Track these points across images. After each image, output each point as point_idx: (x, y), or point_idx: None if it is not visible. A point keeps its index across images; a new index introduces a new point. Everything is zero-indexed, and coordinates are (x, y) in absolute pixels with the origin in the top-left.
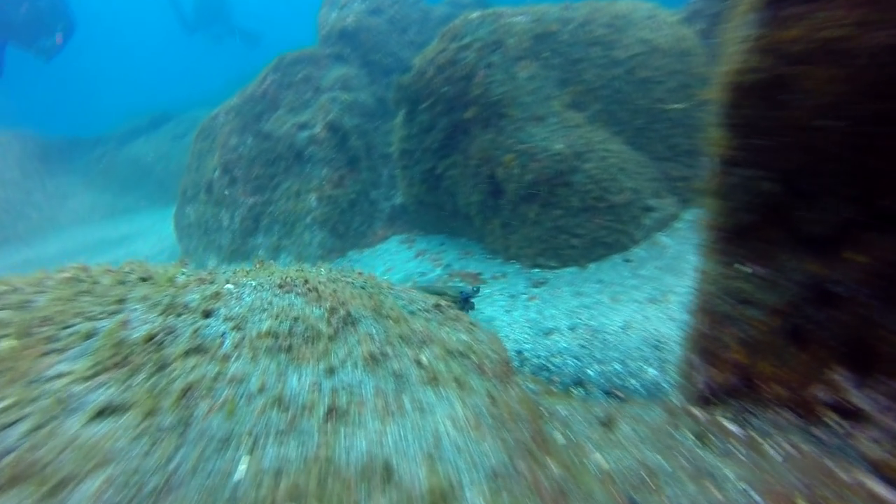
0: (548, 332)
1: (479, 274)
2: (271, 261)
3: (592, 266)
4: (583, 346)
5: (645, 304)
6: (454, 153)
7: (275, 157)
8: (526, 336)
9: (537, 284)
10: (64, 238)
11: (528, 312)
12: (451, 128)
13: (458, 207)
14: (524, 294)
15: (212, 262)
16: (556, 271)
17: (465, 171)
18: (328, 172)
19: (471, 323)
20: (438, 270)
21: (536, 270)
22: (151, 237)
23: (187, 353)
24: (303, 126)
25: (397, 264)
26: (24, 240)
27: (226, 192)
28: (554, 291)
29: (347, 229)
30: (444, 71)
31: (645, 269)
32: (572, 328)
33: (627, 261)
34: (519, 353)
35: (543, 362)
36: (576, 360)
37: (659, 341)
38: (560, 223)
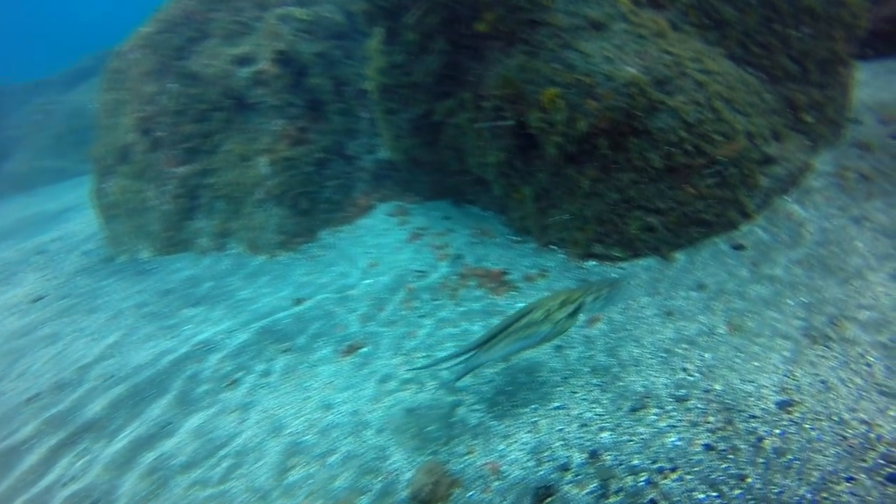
0: (637, 404)
1: (505, 273)
2: None
3: (682, 257)
4: (715, 450)
5: (802, 344)
6: (460, 90)
7: (208, 109)
8: (599, 413)
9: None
10: None
11: (594, 352)
12: (454, 49)
13: (469, 168)
14: None
15: (145, 254)
16: (625, 265)
17: (479, 118)
18: (283, 124)
19: None
20: (444, 266)
21: (592, 264)
22: (90, 212)
23: None
24: (243, 61)
25: (384, 255)
26: None
27: (148, 160)
28: (627, 306)
29: (315, 202)
30: None
31: (773, 262)
32: (680, 395)
33: (738, 247)
34: (594, 455)
35: (644, 483)
36: (712, 493)
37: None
38: (631, 193)
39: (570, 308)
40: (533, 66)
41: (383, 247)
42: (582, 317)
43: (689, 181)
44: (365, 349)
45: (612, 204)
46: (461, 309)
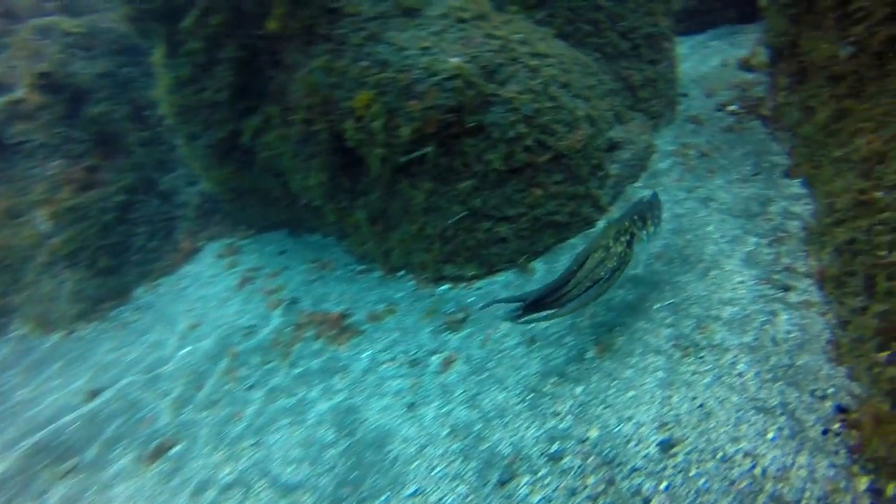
0: (505, 474)
1: (346, 315)
2: None
3: (540, 267)
4: None
5: (674, 358)
6: (265, 103)
7: None
8: (463, 493)
9: (452, 324)
10: None
11: (452, 405)
12: (249, 56)
13: (295, 193)
14: (434, 352)
15: None
16: (480, 285)
17: (289, 134)
18: (62, 166)
19: None
20: (277, 316)
21: (445, 288)
22: None
23: None
24: None
25: (209, 310)
26: None
27: None
28: (486, 335)
29: (122, 256)
30: None
31: (634, 261)
32: (554, 452)
33: None
34: None
35: None
36: None
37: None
38: (474, 203)
39: (626, 238)
40: (339, 66)
41: (208, 299)
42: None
43: (536, 181)
44: (177, 448)
45: (455, 218)
46: (297, 371)
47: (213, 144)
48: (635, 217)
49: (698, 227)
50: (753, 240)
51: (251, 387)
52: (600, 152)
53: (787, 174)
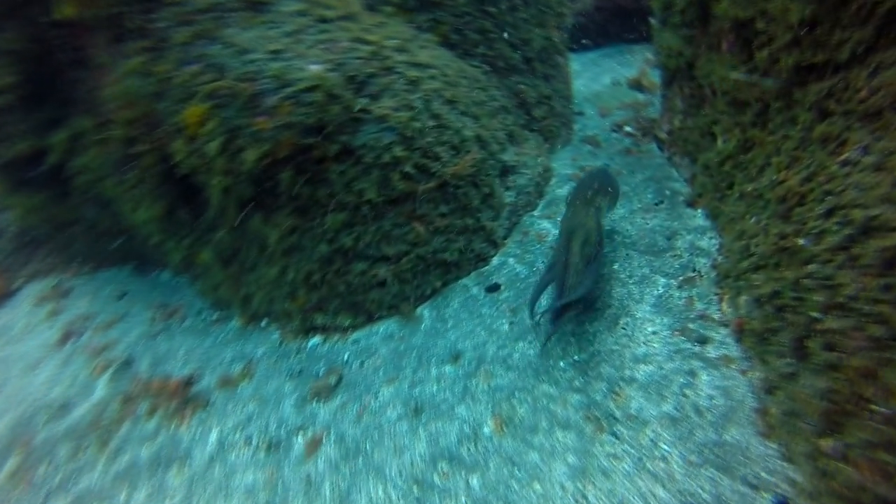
0: None
1: (191, 381)
2: None
3: (427, 314)
4: None
5: (587, 436)
6: (73, 114)
7: None
8: None
9: (319, 392)
10: None
11: None
12: (45, 50)
13: (128, 227)
14: (298, 430)
15: None
16: (358, 336)
17: (108, 154)
18: None
19: None
20: (102, 385)
21: (315, 342)
22: None
23: None
24: None
25: (10, 378)
26: None
27: None
28: (363, 405)
29: None
30: None
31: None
32: None
33: (492, 289)
34: None
35: None
36: None
37: None
38: (345, 241)
39: (594, 211)
40: (159, 70)
41: (13, 362)
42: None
43: (419, 213)
44: None
45: (323, 259)
46: (116, 468)
47: (7, 165)
48: (595, 188)
49: (604, 263)
50: (663, 280)
51: (49, 496)
52: (492, 178)
53: (690, 204)
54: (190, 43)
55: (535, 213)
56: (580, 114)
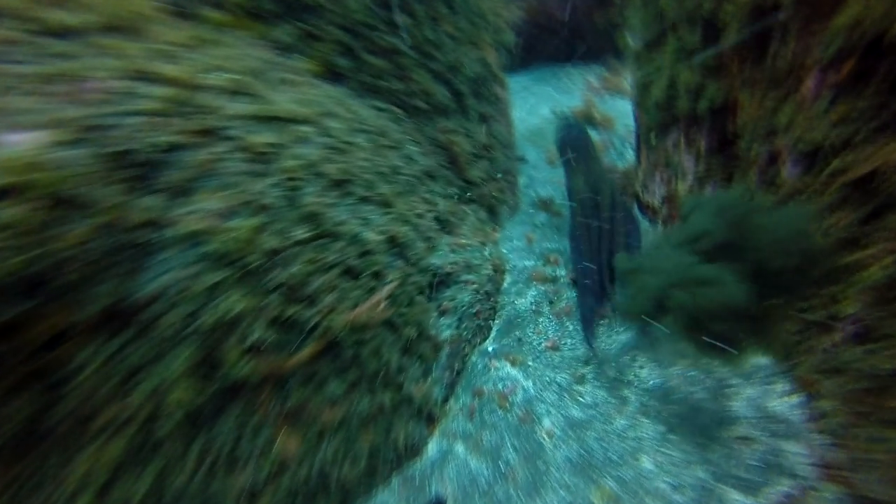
0: None
1: None
2: None
3: None
4: None
5: None
6: None
7: None
8: None
9: None
10: None
11: None
12: None
13: None
14: None
15: None
16: None
17: None
18: None
19: None
20: None
21: None
22: None
23: None
24: None
25: None
26: None
27: None
28: None
29: None
30: None
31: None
32: None
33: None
34: None
35: None
36: None
37: None
38: (132, 492)
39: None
40: None
41: None
42: None
43: (288, 409)
44: None
45: None
46: None
47: None
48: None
49: (586, 424)
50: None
51: None
52: (419, 306)
53: None
54: None
55: (489, 345)
56: (522, 159)
